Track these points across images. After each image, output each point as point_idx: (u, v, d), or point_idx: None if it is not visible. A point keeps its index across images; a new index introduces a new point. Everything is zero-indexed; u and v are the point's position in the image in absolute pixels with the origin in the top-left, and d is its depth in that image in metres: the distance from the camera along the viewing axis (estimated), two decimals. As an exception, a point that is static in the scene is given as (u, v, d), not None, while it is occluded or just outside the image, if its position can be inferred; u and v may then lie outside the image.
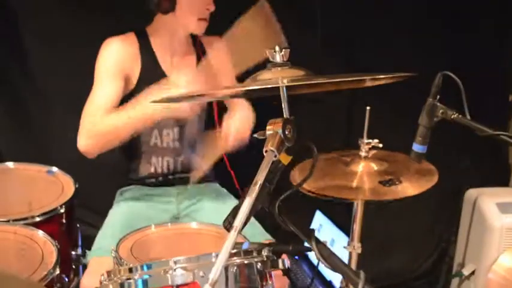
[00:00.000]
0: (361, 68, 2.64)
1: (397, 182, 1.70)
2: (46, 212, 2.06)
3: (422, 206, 2.62)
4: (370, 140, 1.81)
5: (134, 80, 2.06)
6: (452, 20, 2.62)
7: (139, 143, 2.12)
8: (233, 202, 2.21)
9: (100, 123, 1.94)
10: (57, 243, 1.86)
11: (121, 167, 2.27)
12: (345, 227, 2.53)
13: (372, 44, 2.65)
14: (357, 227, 1.86)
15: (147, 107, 1.88)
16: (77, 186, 2.25)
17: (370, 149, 1.82)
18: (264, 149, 1.18)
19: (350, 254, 1.88)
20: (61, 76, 2.58)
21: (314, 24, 2.61)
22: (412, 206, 2.60)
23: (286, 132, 1.21)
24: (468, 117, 1.61)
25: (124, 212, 2.06)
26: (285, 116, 1.25)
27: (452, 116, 1.61)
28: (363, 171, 1.79)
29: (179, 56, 2.13)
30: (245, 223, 1.17)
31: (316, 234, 2.50)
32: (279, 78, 1.24)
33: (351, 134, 2.59)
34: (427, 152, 1.65)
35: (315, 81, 1.31)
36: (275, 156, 1.18)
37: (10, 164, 2.35)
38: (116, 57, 2.02)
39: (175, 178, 2.16)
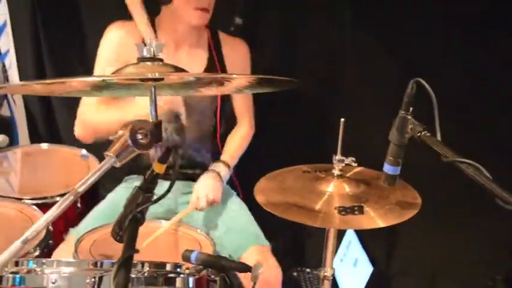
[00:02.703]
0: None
1: (356, 212, 1.43)
2: (61, 194, 2.14)
3: (476, 237, 2.22)
4: (344, 158, 1.55)
5: None
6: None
7: None
8: (235, 204, 2.10)
9: (93, 115, 1.93)
10: (51, 228, 1.91)
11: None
12: (369, 248, 2.26)
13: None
14: (328, 254, 1.61)
15: (141, 109, 1.74)
16: (103, 173, 2.30)
17: (344, 166, 1.57)
18: (106, 152, 1.05)
19: (322, 280, 1.64)
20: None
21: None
22: (463, 235, 2.24)
23: (139, 137, 1.08)
24: (438, 136, 1.29)
25: (118, 199, 2.03)
26: (151, 118, 1.11)
27: (419, 134, 1.31)
28: (334, 193, 1.54)
29: (186, 50, 2.05)
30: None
31: (344, 250, 2.32)
32: (145, 73, 1.10)
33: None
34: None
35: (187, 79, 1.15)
36: (115, 162, 1.05)
37: (44, 146, 2.48)
38: (116, 44, 1.96)
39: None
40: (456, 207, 2.19)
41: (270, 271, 1.85)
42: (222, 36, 2.11)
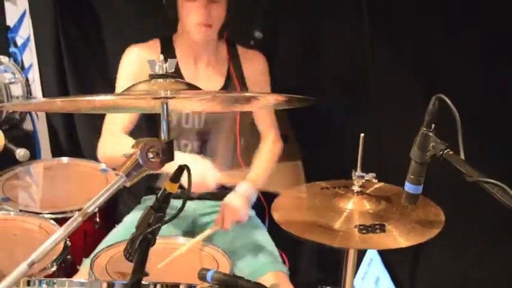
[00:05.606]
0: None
1: (377, 230, 1.38)
2: (80, 209, 2.12)
3: (506, 256, 2.13)
4: (364, 174, 1.50)
5: None
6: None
7: None
8: (253, 227, 2.06)
9: (116, 143, 1.91)
10: (69, 243, 1.89)
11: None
12: (391, 267, 2.19)
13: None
14: (348, 275, 1.55)
15: None
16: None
17: (364, 182, 1.52)
18: (116, 172, 1.03)
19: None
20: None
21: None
22: (492, 255, 2.16)
23: (150, 156, 1.05)
24: (462, 155, 1.24)
25: (134, 222, 2.01)
26: (162, 136, 1.09)
27: (441, 152, 1.26)
28: (353, 210, 1.49)
29: (204, 65, 2.05)
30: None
31: (366, 268, 2.25)
32: (158, 90, 1.08)
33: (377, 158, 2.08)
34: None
35: (201, 96, 1.13)
36: (125, 181, 1.03)
37: (64, 159, 2.48)
38: (134, 67, 1.96)
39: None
40: (485, 225, 2.11)
41: None
42: (241, 51, 2.09)
